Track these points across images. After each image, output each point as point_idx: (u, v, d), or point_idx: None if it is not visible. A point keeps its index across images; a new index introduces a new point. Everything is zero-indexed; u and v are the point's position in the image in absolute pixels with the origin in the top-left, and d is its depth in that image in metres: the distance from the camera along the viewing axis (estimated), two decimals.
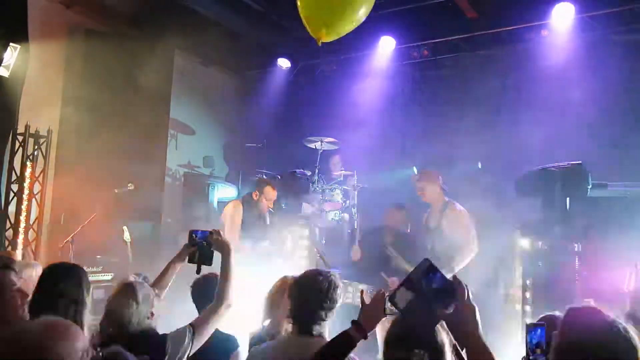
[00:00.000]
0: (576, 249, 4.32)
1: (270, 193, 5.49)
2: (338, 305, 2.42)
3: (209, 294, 2.95)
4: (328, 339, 2.29)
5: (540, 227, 4.57)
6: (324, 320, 2.35)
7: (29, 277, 3.57)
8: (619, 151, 5.67)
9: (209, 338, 2.93)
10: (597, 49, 5.96)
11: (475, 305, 1.65)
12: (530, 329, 1.85)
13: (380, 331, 3.31)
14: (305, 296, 2.36)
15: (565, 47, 6.09)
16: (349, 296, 4.42)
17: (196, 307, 3.10)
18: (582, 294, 4.40)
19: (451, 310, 1.65)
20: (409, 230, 5.69)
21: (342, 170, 7.47)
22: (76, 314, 2.52)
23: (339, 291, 2.41)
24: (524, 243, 4.66)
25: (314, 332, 2.31)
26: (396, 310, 1.79)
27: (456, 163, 6.29)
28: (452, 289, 1.68)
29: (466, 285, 1.67)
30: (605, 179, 5.15)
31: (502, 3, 6.37)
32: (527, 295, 4.54)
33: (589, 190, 4.53)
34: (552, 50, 6.15)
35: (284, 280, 3.01)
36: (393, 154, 7.69)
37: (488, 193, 6.72)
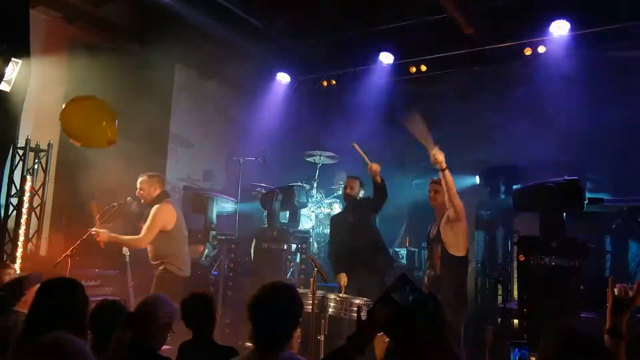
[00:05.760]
0: (573, 264, 4.33)
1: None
2: (301, 317, 2.29)
3: (198, 313, 3.01)
4: (290, 351, 2.28)
5: (538, 242, 4.58)
6: (288, 337, 2.22)
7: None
8: (616, 165, 5.72)
9: (207, 350, 2.96)
10: (592, 64, 6.03)
11: (449, 318, 1.69)
12: (513, 348, 1.88)
13: (377, 347, 3.31)
14: (264, 315, 2.17)
15: (561, 63, 6.16)
16: (347, 311, 4.42)
17: (185, 324, 3.12)
18: (580, 308, 4.42)
19: (429, 324, 1.68)
20: None
21: (341, 183, 7.52)
22: (75, 328, 2.54)
23: (300, 304, 2.28)
24: (521, 257, 4.67)
25: (278, 350, 2.18)
26: None
27: (454, 177, 6.32)
28: (428, 303, 1.70)
29: (441, 300, 1.71)
30: (601, 194, 5.20)
31: (499, 20, 6.45)
32: (525, 310, 4.54)
33: (585, 205, 4.55)
34: (549, 66, 6.22)
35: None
36: (392, 167, 7.73)
37: (486, 207, 6.77)
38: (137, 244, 5.00)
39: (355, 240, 5.29)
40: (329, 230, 6.19)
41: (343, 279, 5.19)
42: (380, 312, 1.75)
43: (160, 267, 5.04)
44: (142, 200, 5.17)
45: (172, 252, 5.06)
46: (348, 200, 5.64)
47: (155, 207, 5.03)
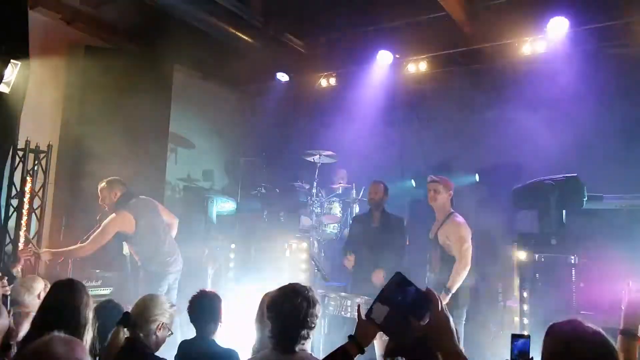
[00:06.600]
0: (573, 261, 4.34)
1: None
2: (319, 319, 2.41)
3: (202, 312, 3.01)
4: (309, 352, 2.31)
5: (537, 239, 4.58)
6: (306, 338, 2.33)
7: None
8: (614, 164, 5.71)
9: (206, 350, 2.96)
10: (591, 62, 6.02)
11: (449, 314, 1.69)
12: (514, 339, 1.92)
13: (378, 345, 3.32)
14: (284, 317, 2.29)
15: (559, 61, 6.15)
16: (347, 310, 4.43)
17: (192, 323, 3.12)
18: (579, 306, 4.42)
19: (426, 321, 1.68)
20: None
21: (341, 183, 7.53)
22: (79, 328, 2.56)
23: (318, 307, 2.39)
24: (521, 255, 4.68)
25: (297, 349, 2.29)
26: None
27: (453, 175, 6.33)
28: (426, 300, 1.70)
29: (439, 296, 1.71)
30: (600, 191, 5.19)
31: (498, 17, 6.45)
32: (525, 307, 4.55)
33: (584, 202, 4.56)
34: (547, 64, 6.21)
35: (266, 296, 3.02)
36: (391, 166, 7.74)
37: (485, 205, 6.78)
38: (79, 252, 4.97)
39: (378, 248, 5.30)
40: (349, 227, 6.23)
41: (351, 260, 5.40)
42: (377, 312, 1.75)
43: (142, 268, 5.09)
44: (106, 208, 5.13)
45: (147, 252, 5.08)
46: (372, 204, 5.68)
47: (109, 217, 5.01)
